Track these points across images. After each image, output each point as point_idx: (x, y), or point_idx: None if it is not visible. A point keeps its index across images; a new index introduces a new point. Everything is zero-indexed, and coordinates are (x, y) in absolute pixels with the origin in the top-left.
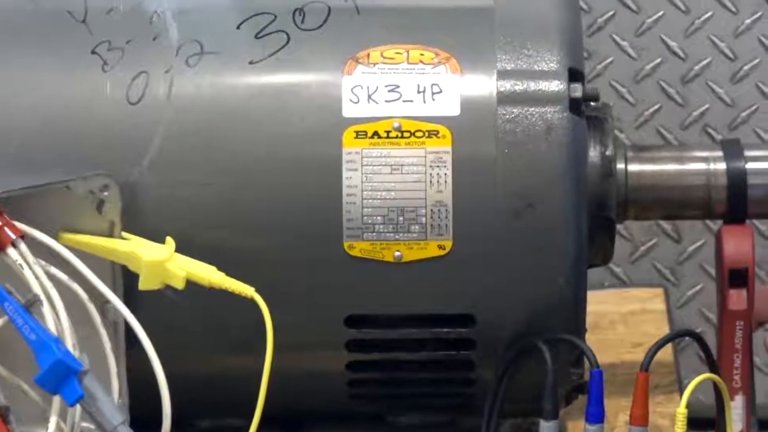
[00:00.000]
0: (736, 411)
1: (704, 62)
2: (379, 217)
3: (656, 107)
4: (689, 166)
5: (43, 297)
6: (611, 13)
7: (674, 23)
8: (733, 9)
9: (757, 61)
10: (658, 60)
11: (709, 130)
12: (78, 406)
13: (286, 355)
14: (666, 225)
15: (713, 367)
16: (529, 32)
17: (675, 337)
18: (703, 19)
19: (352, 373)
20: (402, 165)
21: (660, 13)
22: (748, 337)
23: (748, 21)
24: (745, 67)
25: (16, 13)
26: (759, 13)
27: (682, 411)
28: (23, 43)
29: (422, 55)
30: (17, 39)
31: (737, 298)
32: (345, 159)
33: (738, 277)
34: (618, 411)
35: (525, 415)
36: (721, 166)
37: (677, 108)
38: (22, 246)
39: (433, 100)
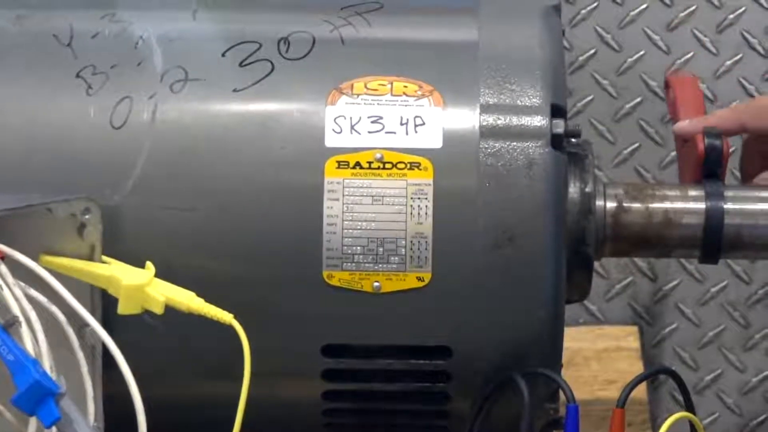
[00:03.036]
0: None
1: None
2: (358, 248)
3: (635, 146)
4: (668, 205)
5: (21, 318)
6: (592, 51)
7: (655, 63)
8: (714, 51)
9: (736, 102)
10: (638, 99)
11: None
12: (54, 429)
13: (262, 383)
14: (641, 263)
15: (689, 405)
16: (513, 67)
17: (653, 374)
18: (683, 59)
19: (327, 403)
20: (383, 196)
21: (641, 53)
22: None
23: (728, 63)
24: None
25: (1, 33)
26: (739, 56)
27: None
28: (7, 65)
29: (406, 87)
30: (1, 59)
31: None
32: (326, 189)
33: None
34: None
35: None
36: (700, 205)
37: (656, 147)
38: (2, 267)
39: (416, 132)
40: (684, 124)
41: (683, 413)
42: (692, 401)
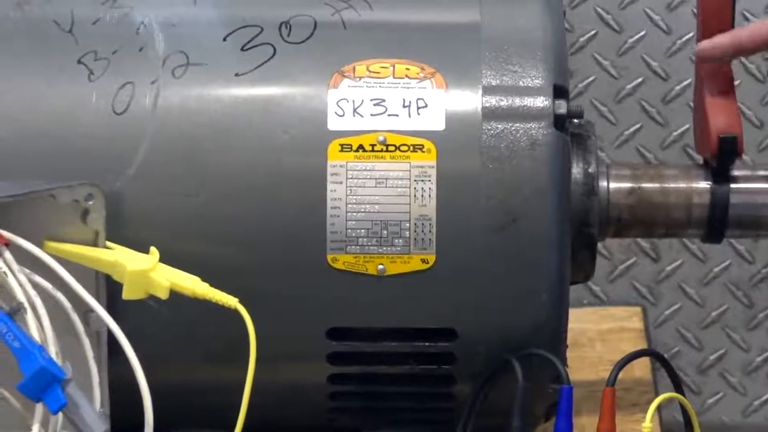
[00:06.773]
0: None
1: (685, 83)
2: (362, 231)
3: (637, 127)
4: (672, 184)
5: (27, 305)
6: (593, 32)
7: (656, 43)
8: None
9: (736, 83)
10: (640, 79)
11: (689, 151)
12: (60, 415)
13: (267, 367)
14: (644, 244)
15: (678, 386)
16: (515, 48)
17: (638, 356)
18: (684, 39)
19: (333, 386)
20: (386, 179)
21: (642, 33)
22: None
23: None
24: None
25: (2, 20)
26: None
27: (647, 426)
28: (8, 51)
29: (408, 69)
30: (2, 46)
31: None
32: (330, 172)
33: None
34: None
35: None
36: (705, 185)
37: (658, 128)
38: (7, 254)
39: (419, 114)
40: (705, 45)
41: (671, 394)
42: (680, 382)
